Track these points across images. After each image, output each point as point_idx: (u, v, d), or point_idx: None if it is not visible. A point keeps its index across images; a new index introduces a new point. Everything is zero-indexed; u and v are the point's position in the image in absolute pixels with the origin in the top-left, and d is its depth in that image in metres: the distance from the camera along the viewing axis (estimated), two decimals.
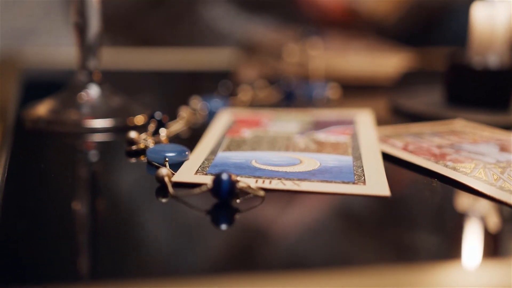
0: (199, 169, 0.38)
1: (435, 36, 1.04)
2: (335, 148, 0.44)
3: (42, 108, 0.51)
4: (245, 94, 0.62)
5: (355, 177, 0.38)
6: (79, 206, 0.35)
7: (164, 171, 0.36)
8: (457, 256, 0.30)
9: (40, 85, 0.70)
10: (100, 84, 0.52)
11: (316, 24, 1.00)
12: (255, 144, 0.44)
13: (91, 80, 0.51)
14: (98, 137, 0.49)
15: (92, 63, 0.51)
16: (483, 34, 0.58)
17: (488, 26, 0.58)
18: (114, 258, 0.29)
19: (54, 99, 0.52)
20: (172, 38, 0.97)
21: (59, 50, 0.81)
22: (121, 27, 0.95)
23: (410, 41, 0.89)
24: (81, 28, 0.50)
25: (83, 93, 0.51)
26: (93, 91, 0.51)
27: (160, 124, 0.47)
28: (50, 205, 0.35)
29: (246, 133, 0.48)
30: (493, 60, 0.58)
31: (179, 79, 0.79)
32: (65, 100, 0.51)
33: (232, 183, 0.33)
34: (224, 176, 0.33)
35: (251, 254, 0.30)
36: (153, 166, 0.40)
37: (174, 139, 0.47)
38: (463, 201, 0.38)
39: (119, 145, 0.46)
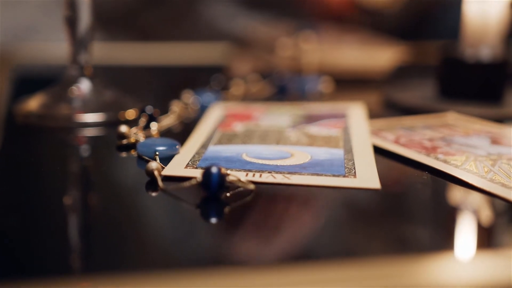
0: (190, 162, 0.38)
1: (429, 30, 1.04)
2: (327, 141, 0.44)
3: (33, 103, 0.51)
4: (237, 88, 0.62)
5: (345, 170, 0.38)
6: (69, 201, 0.35)
7: (153, 165, 0.36)
8: (448, 248, 0.30)
9: (34, 80, 0.70)
10: (92, 78, 0.52)
11: (311, 17, 1.00)
12: (246, 138, 0.44)
13: (83, 75, 0.51)
14: (89, 132, 0.49)
15: (83, 58, 0.51)
16: (475, 27, 0.58)
17: (480, 19, 0.58)
18: (104, 252, 0.29)
19: (46, 94, 0.52)
20: (166, 33, 0.97)
21: (54, 45, 0.81)
22: (117, 22, 0.95)
23: (403, 35, 0.89)
24: (71, 22, 0.50)
25: (74, 88, 0.51)
26: (84, 86, 0.51)
27: (151, 118, 0.47)
28: (40, 199, 0.35)
29: (238, 127, 0.48)
30: (485, 53, 0.58)
31: (172, 73, 0.79)
32: (57, 95, 0.51)
33: (222, 177, 0.33)
34: (214, 170, 0.33)
35: (239, 247, 0.30)
36: (143, 160, 0.40)
37: (166, 133, 0.47)
38: (454, 193, 0.38)
39: (110, 139, 0.45)
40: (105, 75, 0.54)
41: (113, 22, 0.96)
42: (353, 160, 0.40)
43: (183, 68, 0.82)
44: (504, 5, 0.58)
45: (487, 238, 0.32)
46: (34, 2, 0.89)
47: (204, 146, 0.42)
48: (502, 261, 0.29)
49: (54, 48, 0.80)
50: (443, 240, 0.31)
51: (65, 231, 0.31)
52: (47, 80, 0.56)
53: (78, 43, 0.50)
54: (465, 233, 0.32)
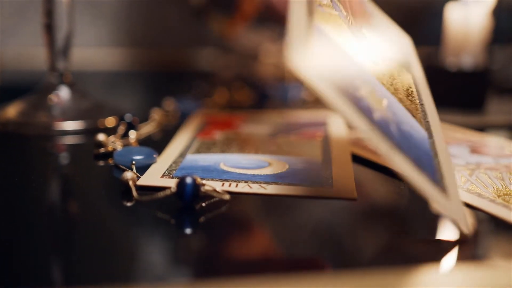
0: (166, 172, 0.38)
1: (412, 37, 1.04)
2: (305, 150, 0.44)
3: (12, 110, 0.51)
4: (220, 95, 0.61)
5: (322, 179, 0.37)
6: (44, 210, 0.34)
7: (128, 174, 0.35)
8: (425, 259, 0.30)
9: (15, 86, 0.69)
10: (71, 85, 0.51)
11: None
12: (225, 147, 0.44)
13: (62, 82, 0.51)
14: (68, 140, 0.48)
15: (62, 65, 0.51)
16: (457, 36, 0.58)
17: (462, 27, 0.58)
18: (77, 262, 0.28)
19: (24, 101, 0.51)
20: (152, 38, 0.97)
21: (38, 50, 0.81)
22: (105, 27, 0.94)
23: None
24: (50, 29, 0.49)
25: (53, 95, 0.50)
26: (63, 93, 0.51)
27: (130, 126, 0.47)
28: (16, 208, 0.34)
29: (217, 135, 0.47)
30: (467, 61, 0.58)
31: (154, 80, 0.78)
32: (35, 102, 0.51)
33: (197, 187, 0.33)
34: (188, 180, 0.33)
35: (212, 258, 0.30)
36: (120, 170, 0.39)
37: (145, 141, 0.47)
38: (431, 204, 0.37)
39: (88, 147, 0.45)
40: (87, 82, 0.53)
41: (102, 27, 0.95)
42: (331, 169, 0.39)
43: (166, 74, 0.82)
44: (486, 14, 0.58)
45: (465, 249, 0.32)
46: (14, 4, 0.88)
47: (182, 155, 0.42)
48: (481, 272, 0.29)
49: (37, 53, 0.80)
50: (420, 250, 0.31)
51: (38, 241, 0.30)
52: (26, 86, 0.55)
53: (57, 51, 0.50)
54: (442, 243, 0.32)
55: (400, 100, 0.33)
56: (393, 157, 0.27)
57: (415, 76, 0.38)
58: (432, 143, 0.32)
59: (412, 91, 0.36)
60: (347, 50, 0.32)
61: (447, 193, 0.30)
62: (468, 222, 0.30)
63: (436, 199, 0.28)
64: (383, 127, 0.29)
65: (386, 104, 0.31)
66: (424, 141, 0.32)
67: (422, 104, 0.35)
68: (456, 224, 0.29)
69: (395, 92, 0.33)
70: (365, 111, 0.28)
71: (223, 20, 0.75)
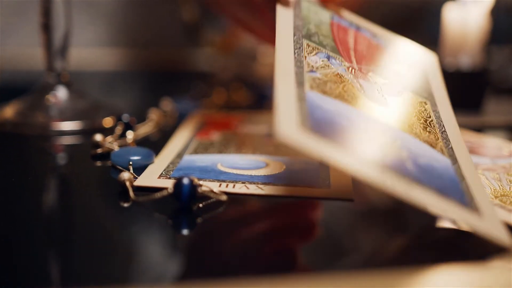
0: (163, 172, 0.38)
1: (410, 38, 1.04)
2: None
3: (9, 110, 0.50)
4: (218, 96, 0.61)
5: (320, 180, 0.37)
6: (41, 210, 0.34)
7: (125, 175, 0.35)
8: (423, 260, 0.30)
9: (13, 86, 0.69)
10: (68, 85, 0.51)
11: None
12: (223, 147, 0.44)
13: (59, 82, 0.51)
14: (65, 140, 0.48)
15: (60, 65, 0.50)
16: (455, 36, 0.58)
17: (460, 27, 0.58)
18: (74, 262, 0.28)
19: (22, 101, 0.51)
20: (150, 38, 0.97)
21: (36, 51, 0.80)
22: (103, 27, 0.94)
23: None
24: (47, 29, 0.49)
25: (50, 95, 0.50)
26: (61, 93, 0.51)
27: (128, 126, 0.46)
28: (13, 208, 0.34)
29: (215, 135, 0.47)
30: (465, 61, 0.58)
31: (152, 80, 0.78)
32: (32, 102, 0.51)
33: (193, 188, 0.33)
34: (185, 181, 0.33)
35: (209, 258, 0.29)
36: (117, 170, 0.39)
37: (143, 141, 0.47)
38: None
39: (85, 148, 0.45)
40: (83, 82, 0.53)
41: (100, 26, 0.95)
42: (328, 170, 0.39)
43: (165, 74, 0.82)
44: (484, 14, 0.58)
45: (464, 250, 0.32)
46: (14, 4, 0.88)
47: (180, 155, 0.42)
48: (479, 273, 0.28)
49: (35, 53, 0.79)
50: (419, 252, 0.31)
51: (36, 241, 0.30)
52: (24, 86, 0.55)
53: (54, 51, 0.50)
54: (441, 245, 0.32)
55: (416, 135, 0.34)
56: (412, 194, 0.28)
57: (437, 98, 0.38)
58: (457, 168, 0.33)
59: (431, 121, 0.36)
60: (345, 108, 0.33)
61: (479, 212, 0.30)
62: (507, 234, 0.29)
63: (467, 221, 0.29)
64: (397, 168, 0.29)
65: (400, 144, 0.32)
66: (448, 169, 0.32)
67: (443, 131, 0.36)
68: (494, 239, 0.29)
69: (410, 129, 0.34)
70: (376, 157, 0.29)
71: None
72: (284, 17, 0.38)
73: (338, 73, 0.35)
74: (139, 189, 0.36)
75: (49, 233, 0.32)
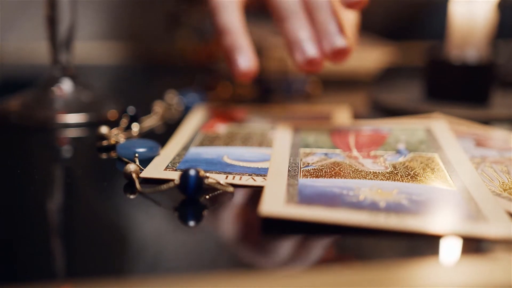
0: (169, 164, 0.38)
1: (416, 31, 1.04)
2: None
3: (14, 103, 0.50)
4: (223, 89, 0.61)
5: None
6: (47, 203, 0.34)
7: (131, 167, 0.35)
8: (426, 253, 0.30)
9: (15, 80, 0.69)
10: (74, 78, 0.51)
11: None
12: (229, 140, 0.44)
13: (64, 75, 0.51)
14: (71, 132, 0.48)
15: (65, 58, 0.50)
16: (461, 29, 0.58)
17: (466, 20, 0.58)
18: (80, 255, 0.28)
19: (27, 94, 0.51)
20: (155, 31, 0.96)
21: (38, 45, 0.80)
22: (108, 21, 0.94)
23: (390, 36, 0.89)
24: (52, 22, 0.49)
25: (55, 88, 0.50)
26: (66, 86, 0.51)
27: (133, 119, 0.46)
28: (19, 201, 0.34)
29: (221, 128, 0.47)
30: (472, 55, 0.58)
31: (157, 73, 0.78)
32: (38, 95, 0.51)
33: (200, 179, 0.33)
34: (192, 172, 0.33)
35: (216, 250, 0.29)
36: (123, 162, 0.39)
37: (148, 134, 0.47)
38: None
39: (91, 140, 0.45)
40: (88, 74, 0.53)
41: (105, 20, 0.95)
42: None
43: (169, 67, 0.81)
44: (491, 7, 0.58)
45: (468, 243, 0.31)
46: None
47: (185, 147, 0.42)
48: (483, 266, 0.28)
49: (39, 46, 0.79)
50: (422, 245, 0.31)
51: (41, 234, 0.30)
52: (29, 79, 0.55)
53: (59, 43, 0.50)
54: (443, 238, 0.31)
55: (420, 182, 0.36)
56: (406, 223, 0.30)
57: (448, 156, 0.40)
58: (464, 190, 0.34)
59: (439, 168, 0.38)
60: (340, 181, 0.35)
61: (487, 220, 0.31)
62: None
63: (473, 232, 0.30)
64: (391, 208, 0.32)
65: (397, 191, 0.34)
66: (454, 194, 0.34)
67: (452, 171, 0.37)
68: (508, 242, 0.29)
69: (412, 179, 0.36)
70: (368, 207, 0.31)
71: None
72: (282, 137, 0.43)
73: (335, 161, 0.38)
74: (145, 181, 0.36)
75: (54, 225, 0.31)
